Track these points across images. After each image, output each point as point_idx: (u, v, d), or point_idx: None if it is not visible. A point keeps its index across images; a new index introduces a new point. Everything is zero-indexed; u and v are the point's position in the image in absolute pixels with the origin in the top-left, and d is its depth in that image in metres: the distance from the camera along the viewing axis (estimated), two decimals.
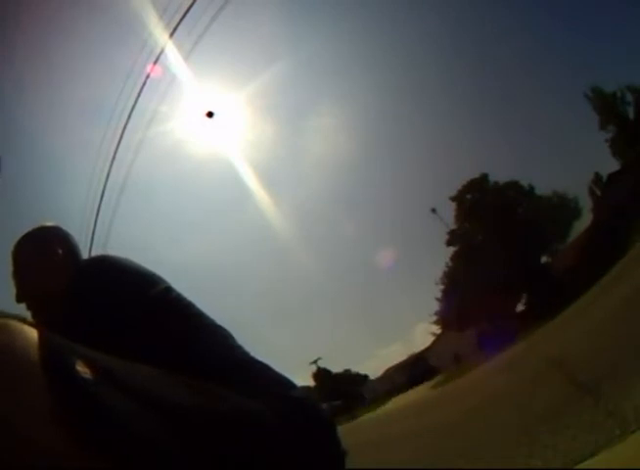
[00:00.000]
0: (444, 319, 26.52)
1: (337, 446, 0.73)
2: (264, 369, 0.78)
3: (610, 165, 21.44)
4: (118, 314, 0.72)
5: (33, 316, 0.92)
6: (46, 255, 0.96)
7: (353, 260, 52.96)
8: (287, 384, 0.76)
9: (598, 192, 22.16)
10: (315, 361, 38.36)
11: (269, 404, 0.64)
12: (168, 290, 0.81)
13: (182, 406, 0.52)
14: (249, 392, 0.65)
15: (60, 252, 0.97)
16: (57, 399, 0.41)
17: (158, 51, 11.47)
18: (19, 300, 0.95)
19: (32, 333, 0.45)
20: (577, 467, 2.15)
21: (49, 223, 1.05)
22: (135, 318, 0.73)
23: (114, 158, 11.35)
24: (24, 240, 1.00)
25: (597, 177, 22.42)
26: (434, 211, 26.20)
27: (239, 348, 0.80)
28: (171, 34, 10.31)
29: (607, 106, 21.13)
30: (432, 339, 30.31)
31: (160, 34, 11.30)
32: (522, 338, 14.57)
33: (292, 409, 0.67)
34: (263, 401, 0.64)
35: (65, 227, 1.04)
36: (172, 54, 13.40)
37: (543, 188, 24.34)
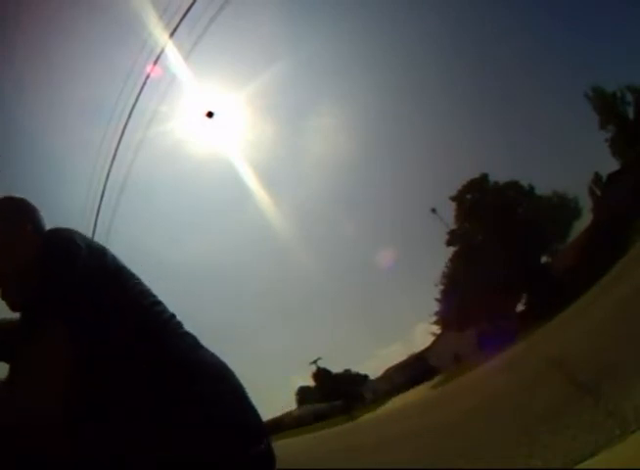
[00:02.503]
0: (444, 319, 26.51)
1: None
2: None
3: (610, 165, 21.47)
4: (89, 283, 0.77)
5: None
6: (16, 230, 0.92)
7: (353, 260, 52.89)
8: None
9: (598, 192, 22.16)
10: (315, 361, 38.33)
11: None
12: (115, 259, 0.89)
13: None
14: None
15: (29, 227, 0.94)
16: None
17: (158, 51, 11.47)
18: None
19: None
20: (577, 467, 2.15)
21: (16, 195, 0.99)
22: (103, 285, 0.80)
23: (114, 157, 11.35)
24: None
25: (597, 177, 22.42)
26: (434, 211, 26.22)
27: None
28: (171, 34, 10.30)
29: (607, 106, 21.12)
30: (432, 339, 30.34)
31: (160, 34, 11.29)
32: (522, 338, 14.57)
33: None
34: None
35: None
36: (172, 54, 13.41)
37: (543, 188, 24.38)
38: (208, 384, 0.81)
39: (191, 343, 0.88)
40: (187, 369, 0.81)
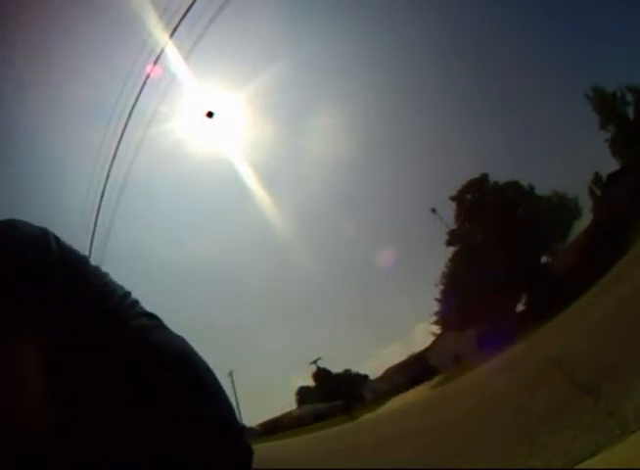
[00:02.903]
0: (444, 319, 26.50)
1: None
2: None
3: (610, 165, 21.47)
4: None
5: None
6: None
7: (353, 260, 52.82)
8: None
9: (598, 192, 22.16)
10: (315, 361, 38.30)
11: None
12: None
13: None
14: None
15: None
16: None
17: (158, 51, 11.47)
18: None
19: None
20: (577, 467, 2.15)
21: None
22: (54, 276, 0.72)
23: (114, 157, 11.36)
24: None
25: (597, 177, 22.41)
26: (434, 211, 26.21)
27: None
28: (171, 34, 10.31)
29: (607, 106, 21.12)
30: (432, 339, 30.30)
31: (160, 34, 11.29)
32: (522, 338, 14.56)
33: None
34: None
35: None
36: (172, 54, 13.42)
37: (543, 188, 24.34)
38: (163, 370, 0.74)
39: (146, 324, 0.81)
40: (140, 352, 0.74)
